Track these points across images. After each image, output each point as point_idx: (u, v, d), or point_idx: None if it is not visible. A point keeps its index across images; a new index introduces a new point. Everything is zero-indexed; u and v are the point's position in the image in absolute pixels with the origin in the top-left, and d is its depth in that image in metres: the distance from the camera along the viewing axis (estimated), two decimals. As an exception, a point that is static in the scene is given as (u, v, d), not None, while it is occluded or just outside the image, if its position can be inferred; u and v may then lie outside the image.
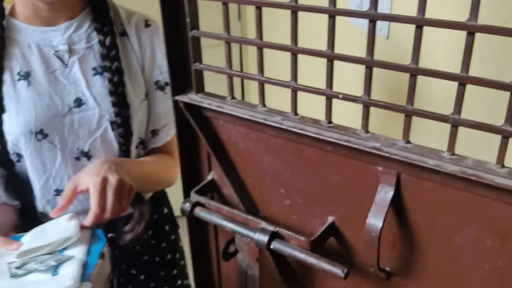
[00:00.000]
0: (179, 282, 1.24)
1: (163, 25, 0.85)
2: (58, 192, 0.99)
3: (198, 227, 1.09)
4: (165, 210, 1.24)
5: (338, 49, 0.70)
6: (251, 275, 0.92)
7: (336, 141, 0.74)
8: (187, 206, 0.93)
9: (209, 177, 0.99)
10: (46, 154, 0.95)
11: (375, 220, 0.74)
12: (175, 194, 1.27)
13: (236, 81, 1.00)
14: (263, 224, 0.87)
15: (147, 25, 1.00)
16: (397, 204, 0.76)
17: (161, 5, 0.82)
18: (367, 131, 0.74)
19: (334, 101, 0.75)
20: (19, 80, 0.90)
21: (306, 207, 0.88)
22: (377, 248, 0.75)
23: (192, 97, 0.92)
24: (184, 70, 0.92)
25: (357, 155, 0.75)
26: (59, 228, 0.85)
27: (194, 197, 0.95)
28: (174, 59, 0.91)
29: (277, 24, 0.93)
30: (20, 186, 0.98)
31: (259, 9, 0.75)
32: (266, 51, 0.78)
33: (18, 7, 0.91)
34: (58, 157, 0.96)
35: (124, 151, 1.02)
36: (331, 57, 0.72)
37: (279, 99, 0.95)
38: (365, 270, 0.84)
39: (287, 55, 0.76)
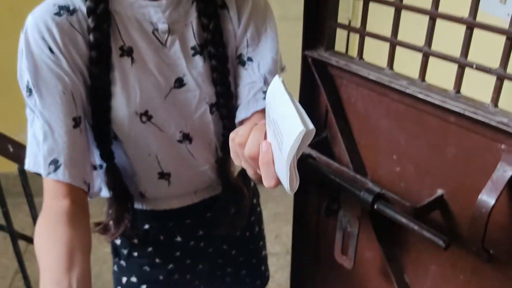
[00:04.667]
0: (263, 253, 1.23)
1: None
2: (161, 175, 0.94)
3: (303, 181, 1.14)
4: (252, 183, 1.14)
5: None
6: (350, 232, 0.95)
7: (461, 112, 0.74)
8: (299, 156, 0.98)
9: (324, 134, 1.03)
10: (150, 137, 0.89)
11: (488, 197, 0.73)
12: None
13: (340, 34, 0.95)
14: (370, 185, 0.89)
15: None
16: (514, 186, 0.74)
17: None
18: (496, 105, 0.72)
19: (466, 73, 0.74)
20: (121, 55, 0.83)
21: (416, 177, 0.89)
22: (484, 225, 0.74)
23: (321, 54, 0.95)
24: (316, 26, 0.96)
25: (481, 129, 0.74)
26: None
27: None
28: (309, 14, 0.95)
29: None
30: (118, 175, 0.93)
31: (404, -30, 0.76)
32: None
33: None
34: (162, 139, 0.90)
35: (226, 135, 0.95)
36: (471, 25, 0.71)
37: (401, 65, 0.94)
38: (466, 248, 0.84)
39: (417, 20, 0.76)
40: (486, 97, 0.75)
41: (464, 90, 0.78)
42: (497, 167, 0.74)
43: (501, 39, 0.69)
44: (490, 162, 0.75)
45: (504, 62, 0.69)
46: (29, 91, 0.79)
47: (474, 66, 0.71)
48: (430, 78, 0.82)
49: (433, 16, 0.75)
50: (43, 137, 0.79)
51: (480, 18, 0.71)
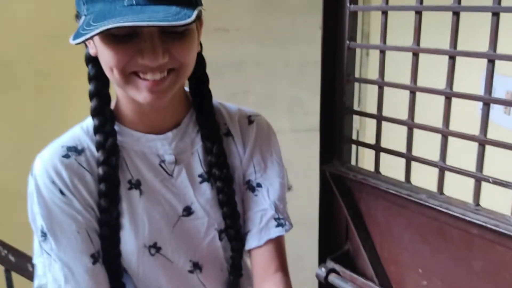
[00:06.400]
0: None
1: (321, 103, 0.96)
2: None
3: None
4: None
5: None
6: None
7: (483, 224, 0.75)
8: (323, 271, 0.97)
9: (346, 247, 1.03)
10: (160, 269, 0.88)
11: (522, 312, 0.71)
12: (308, 260, 1.30)
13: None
14: (398, 300, 0.87)
15: (250, 121, 0.94)
16: (547, 299, 0.72)
17: (322, 84, 0.92)
18: (518, 218, 0.73)
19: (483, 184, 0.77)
20: (130, 188, 0.85)
21: (444, 290, 0.87)
22: None
23: (338, 168, 0.99)
24: (332, 141, 1.00)
25: (505, 241, 0.74)
26: None
27: (329, 263, 0.99)
28: (326, 129, 1.00)
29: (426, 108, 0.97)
30: None
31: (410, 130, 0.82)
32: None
33: (122, 112, 0.85)
34: (172, 271, 0.89)
35: (235, 264, 0.95)
36: (482, 142, 0.74)
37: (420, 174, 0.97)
38: None
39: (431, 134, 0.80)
40: (508, 198, 0.75)
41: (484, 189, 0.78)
42: (527, 280, 0.73)
43: None
44: (519, 275, 0.75)
45: (520, 176, 0.71)
46: (44, 235, 0.79)
47: (491, 180, 0.73)
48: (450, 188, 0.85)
49: (445, 134, 0.79)
50: (64, 280, 0.78)
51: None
